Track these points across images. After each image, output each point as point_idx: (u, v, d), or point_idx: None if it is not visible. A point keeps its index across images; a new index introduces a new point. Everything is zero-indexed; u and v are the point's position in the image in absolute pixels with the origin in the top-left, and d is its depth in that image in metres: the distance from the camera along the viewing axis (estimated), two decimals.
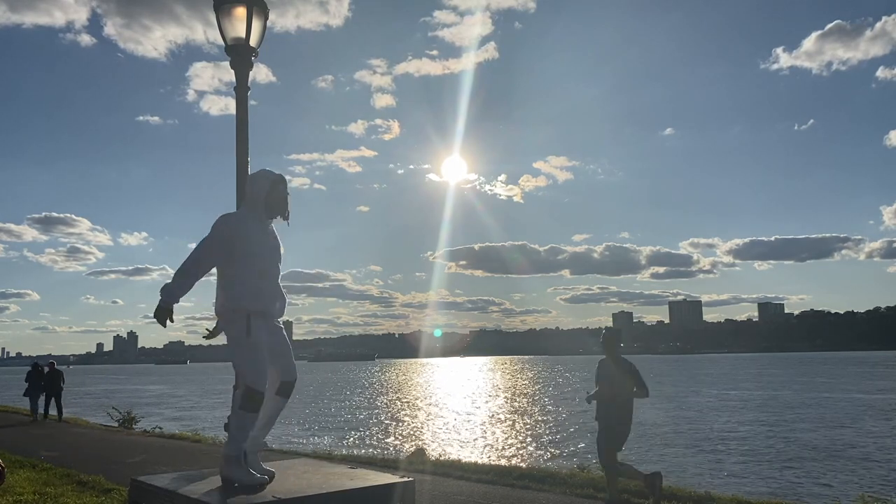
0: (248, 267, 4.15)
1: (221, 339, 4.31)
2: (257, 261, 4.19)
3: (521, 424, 30.17)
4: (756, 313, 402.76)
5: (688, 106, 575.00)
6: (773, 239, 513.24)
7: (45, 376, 19.53)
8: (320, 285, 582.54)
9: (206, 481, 4.12)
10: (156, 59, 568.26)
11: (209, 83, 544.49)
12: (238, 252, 4.14)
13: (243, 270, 4.15)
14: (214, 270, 4.28)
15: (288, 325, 4.76)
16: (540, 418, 32.81)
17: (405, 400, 48.54)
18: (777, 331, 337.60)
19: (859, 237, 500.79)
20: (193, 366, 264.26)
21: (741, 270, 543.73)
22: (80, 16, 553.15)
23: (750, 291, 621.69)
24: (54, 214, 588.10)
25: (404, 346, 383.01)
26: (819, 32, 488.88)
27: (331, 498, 3.73)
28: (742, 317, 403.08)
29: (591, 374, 7.39)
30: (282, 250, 4.43)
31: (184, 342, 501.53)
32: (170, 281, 4.15)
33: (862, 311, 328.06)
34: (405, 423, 31.31)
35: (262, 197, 4.23)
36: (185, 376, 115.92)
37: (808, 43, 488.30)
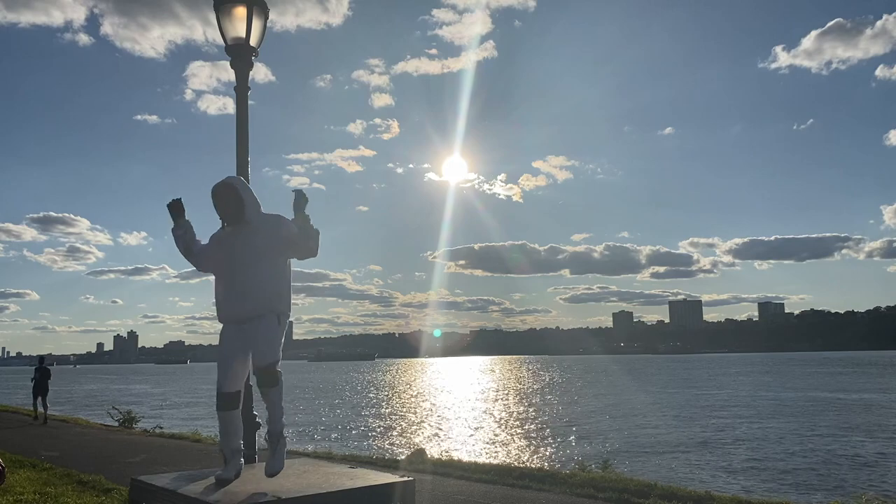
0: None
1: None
2: (218, 269, 4.43)
3: (521, 424, 30.17)
4: (756, 313, 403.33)
5: (688, 106, 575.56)
6: (773, 239, 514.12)
7: None
8: (320, 285, 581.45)
9: (207, 481, 4.12)
10: (153, 58, 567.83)
11: (207, 82, 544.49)
12: None
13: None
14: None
15: (288, 324, 4.63)
16: (539, 418, 32.81)
17: (405, 400, 48.54)
18: (777, 330, 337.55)
19: (859, 237, 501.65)
20: (193, 366, 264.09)
21: (741, 270, 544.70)
22: (78, 15, 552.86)
23: (750, 291, 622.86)
24: (53, 214, 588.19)
25: (404, 346, 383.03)
26: (819, 31, 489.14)
27: (331, 498, 3.73)
28: (742, 316, 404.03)
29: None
30: (258, 244, 4.20)
31: (184, 342, 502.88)
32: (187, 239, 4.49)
33: (862, 310, 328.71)
34: (405, 423, 31.32)
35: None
36: (176, 376, 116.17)
37: (808, 42, 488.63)
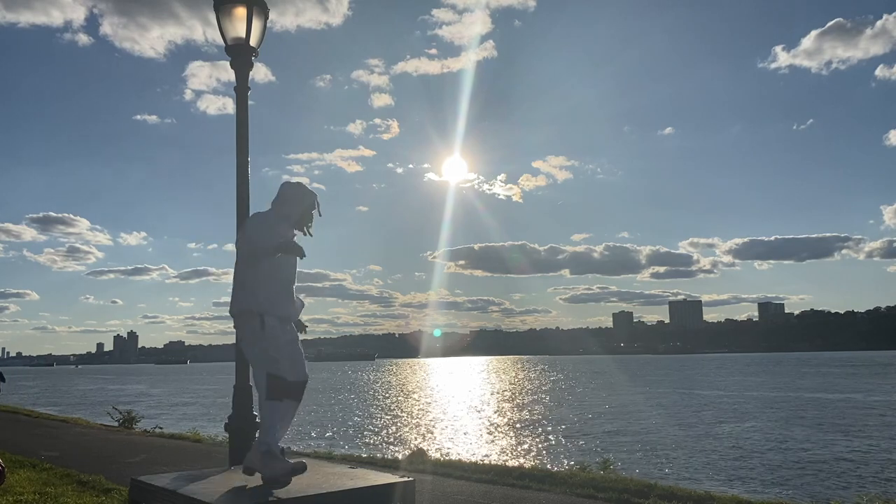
0: (272, 273, 4.22)
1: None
2: (282, 268, 4.24)
3: (521, 424, 30.16)
4: (756, 313, 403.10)
5: (687, 106, 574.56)
6: (773, 239, 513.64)
7: None
8: (320, 285, 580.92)
9: (207, 481, 4.12)
10: (153, 58, 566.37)
11: (206, 82, 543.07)
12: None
13: (267, 276, 4.21)
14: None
15: None
16: (540, 418, 32.81)
17: (405, 400, 48.55)
18: (777, 331, 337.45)
19: (859, 237, 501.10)
20: (193, 366, 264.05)
21: (741, 270, 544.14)
22: (78, 15, 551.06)
23: (750, 291, 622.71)
24: (53, 214, 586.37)
25: (404, 346, 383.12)
26: (819, 31, 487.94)
27: (331, 498, 3.73)
28: (742, 317, 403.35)
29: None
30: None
31: (184, 342, 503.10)
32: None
33: (862, 311, 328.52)
34: (405, 423, 31.31)
35: (299, 211, 4.35)
36: (176, 376, 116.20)
37: (808, 41, 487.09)
